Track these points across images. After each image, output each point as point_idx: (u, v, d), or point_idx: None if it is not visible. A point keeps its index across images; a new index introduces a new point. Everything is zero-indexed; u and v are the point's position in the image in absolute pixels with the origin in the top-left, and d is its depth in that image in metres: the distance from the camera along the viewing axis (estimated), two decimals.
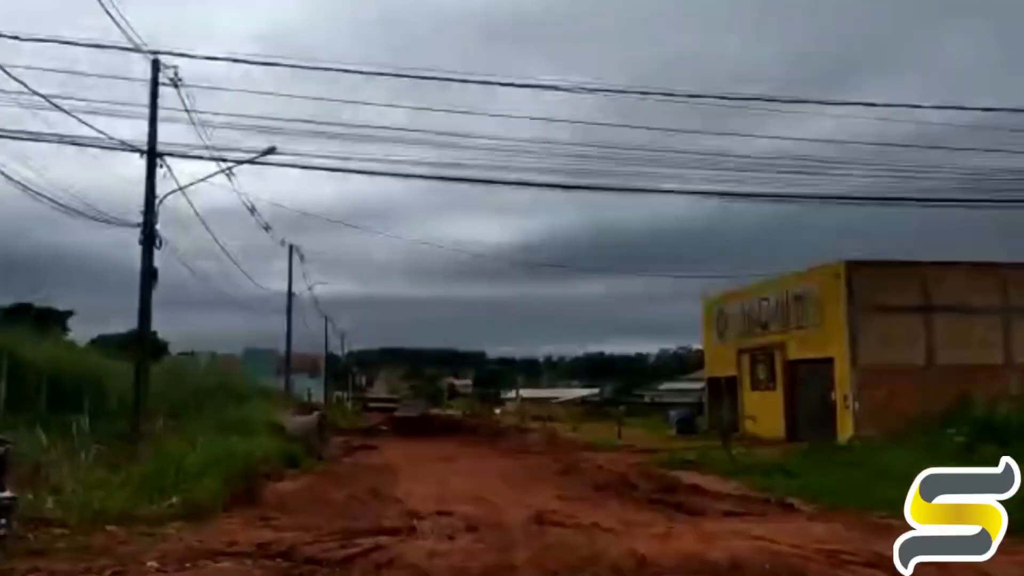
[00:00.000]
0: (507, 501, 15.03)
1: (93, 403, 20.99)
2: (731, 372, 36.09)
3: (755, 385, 34.25)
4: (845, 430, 26.82)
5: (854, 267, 27.71)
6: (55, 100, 16.54)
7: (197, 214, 22.77)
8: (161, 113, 19.36)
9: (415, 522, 11.35)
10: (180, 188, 20.07)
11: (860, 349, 27.18)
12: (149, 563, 7.66)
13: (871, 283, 27.63)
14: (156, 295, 19.54)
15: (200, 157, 19.87)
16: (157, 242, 19.34)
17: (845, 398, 27.49)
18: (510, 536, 9.81)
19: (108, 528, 9.08)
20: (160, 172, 19.55)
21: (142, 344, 19.61)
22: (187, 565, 7.67)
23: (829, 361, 28.42)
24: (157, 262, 19.48)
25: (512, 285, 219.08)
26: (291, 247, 44.38)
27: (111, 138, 17.81)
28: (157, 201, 19.29)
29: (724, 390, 37.01)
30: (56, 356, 21.24)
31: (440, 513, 12.42)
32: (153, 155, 18.86)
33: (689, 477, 19.80)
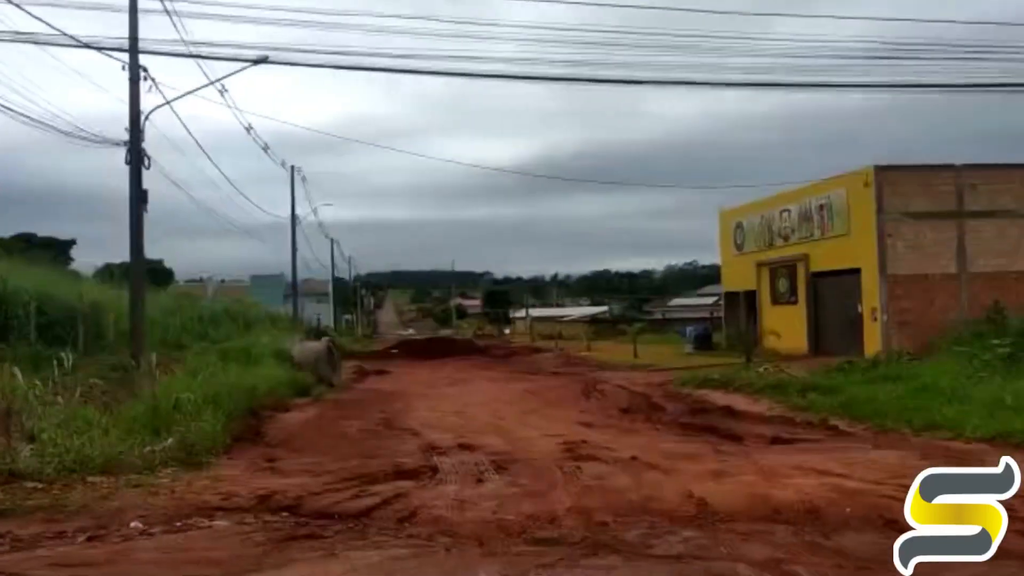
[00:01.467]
0: (531, 429, 14.11)
1: (90, 335, 20.02)
2: (750, 286, 34.88)
3: (776, 299, 33.08)
4: (873, 344, 25.74)
5: (883, 172, 26.15)
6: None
7: (187, 129, 21.42)
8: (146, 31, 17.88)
9: (436, 459, 10.33)
10: (168, 102, 18.67)
11: (889, 259, 25.86)
12: (132, 523, 6.58)
13: (901, 189, 26.09)
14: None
15: (183, 55, 18.26)
16: (145, 162, 18.01)
17: (873, 310, 26.32)
18: (544, 476, 8.73)
19: (90, 480, 7.99)
20: (146, 86, 18.14)
21: (136, 270, 18.44)
22: (177, 524, 6.58)
23: (856, 272, 27.15)
24: (150, 184, 18.21)
25: (516, 205, 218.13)
26: (292, 168, 43.06)
27: (79, 41, 16.24)
28: (143, 117, 17.90)
29: (742, 305, 35.87)
30: (45, 286, 20.14)
31: (462, 447, 11.43)
32: (136, 55, 17.40)
33: (717, 397, 18.86)
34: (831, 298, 29.47)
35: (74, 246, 53.50)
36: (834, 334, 28.90)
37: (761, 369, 21.21)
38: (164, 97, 18.45)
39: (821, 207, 29.42)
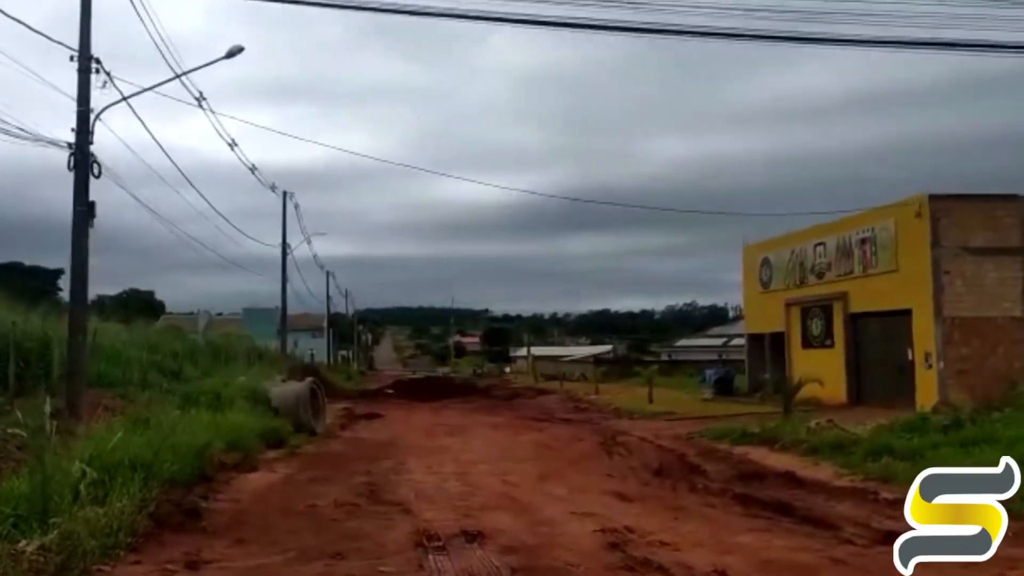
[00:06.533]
0: (554, 503, 11.16)
1: (31, 373, 17.09)
2: (777, 327, 31.90)
3: (808, 342, 30.08)
4: (926, 394, 22.78)
5: (938, 202, 23.35)
6: None
7: (147, 128, 18.68)
8: None
9: (432, 560, 7.38)
10: (124, 98, 15.88)
11: (946, 298, 22.96)
12: None
13: (959, 221, 23.27)
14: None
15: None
16: (95, 169, 15.19)
17: (927, 356, 23.37)
18: None
19: None
20: (99, 80, 15.39)
21: (76, 296, 15.53)
22: None
23: (905, 313, 24.23)
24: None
25: (516, 243, 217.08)
26: (284, 193, 40.37)
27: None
28: (93, 115, 15.12)
29: (768, 348, 32.92)
30: None
31: (468, 536, 8.46)
32: (87, 38, 14.69)
33: (764, 457, 15.88)
34: (874, 342, 26.55)
35: (62, 275, 50.92)
36: (878, 382, 25.94)
37: (813, 424, 18.18)
38: (120, 93, 15.68)
39: (863, 241, 26.58)
